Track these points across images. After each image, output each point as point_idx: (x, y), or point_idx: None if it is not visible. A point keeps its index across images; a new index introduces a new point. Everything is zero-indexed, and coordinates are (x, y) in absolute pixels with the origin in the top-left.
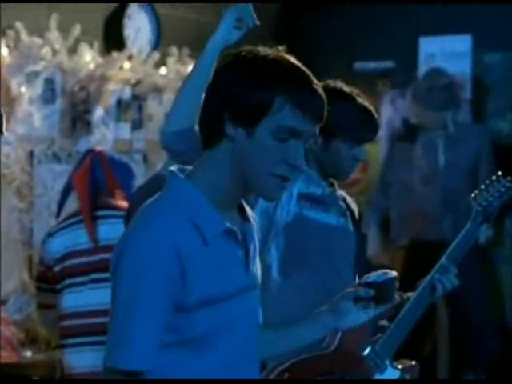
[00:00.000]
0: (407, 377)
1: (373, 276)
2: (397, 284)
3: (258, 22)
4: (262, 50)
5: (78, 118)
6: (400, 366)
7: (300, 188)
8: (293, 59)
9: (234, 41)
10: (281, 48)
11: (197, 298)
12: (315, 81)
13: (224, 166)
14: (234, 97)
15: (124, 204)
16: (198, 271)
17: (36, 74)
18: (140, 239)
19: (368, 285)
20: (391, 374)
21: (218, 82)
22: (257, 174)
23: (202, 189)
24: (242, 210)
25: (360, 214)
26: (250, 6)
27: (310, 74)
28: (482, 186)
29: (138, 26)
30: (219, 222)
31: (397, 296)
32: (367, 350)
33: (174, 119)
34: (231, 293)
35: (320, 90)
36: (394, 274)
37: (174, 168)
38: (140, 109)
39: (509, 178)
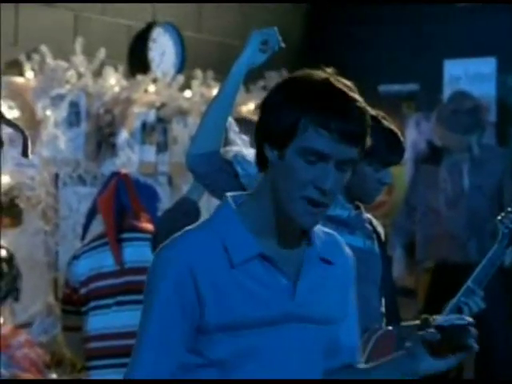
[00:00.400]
0: None
1: (444, 319)
2: (473, 331)
3: (283, 45)
4: (310, 72)
5: (103, 140)
6: None
7: None
8: (330, 80)
9: (258, 63)
10: (329, 70)
11: (217, 321)
12: (352, 102)
13: (265, 192)
14: (267, 119)
15: (149, 226)
16: (220, 294)
17: (61, 97)
18: (159, 258)
19: (437, 328)
20: None
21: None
22: (288, 197)
23: (244, 214)
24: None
25: (385, 236)
26: (276, 29)
27: (344, 94)
28: (509, 209)
29: (162, 49)
30: (251, 245)
31: (474, 344)
32: None
33: (199, 142)
34: (260, 319)
35: (356, 112)
36: (469, 320)
37: (229, 194)
38: (165, 131)
39: None
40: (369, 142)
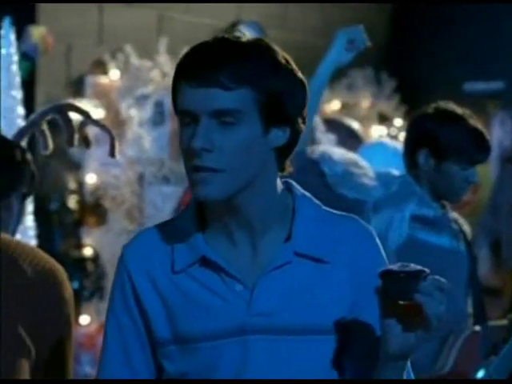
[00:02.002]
0: None
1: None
2: (428, 284)
3: (369, 44)
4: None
5: None
6: None
7: (413, 210)
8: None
9: (345, 62)
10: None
11: (165, 334)
12: (208, 44)
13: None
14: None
15: None
16: (164, 304)
17: (145, 96)
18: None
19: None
20: None
21: None
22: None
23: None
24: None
25: (471, 235)
26: (362, 27)
27: (207, 42)
28: None
29: None
30: (196, 248)
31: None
32: (481, 373)
33: None
34: (211, 332)
35: (214, 52)
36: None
37: None
38: None
39: None
40: (271, 82)
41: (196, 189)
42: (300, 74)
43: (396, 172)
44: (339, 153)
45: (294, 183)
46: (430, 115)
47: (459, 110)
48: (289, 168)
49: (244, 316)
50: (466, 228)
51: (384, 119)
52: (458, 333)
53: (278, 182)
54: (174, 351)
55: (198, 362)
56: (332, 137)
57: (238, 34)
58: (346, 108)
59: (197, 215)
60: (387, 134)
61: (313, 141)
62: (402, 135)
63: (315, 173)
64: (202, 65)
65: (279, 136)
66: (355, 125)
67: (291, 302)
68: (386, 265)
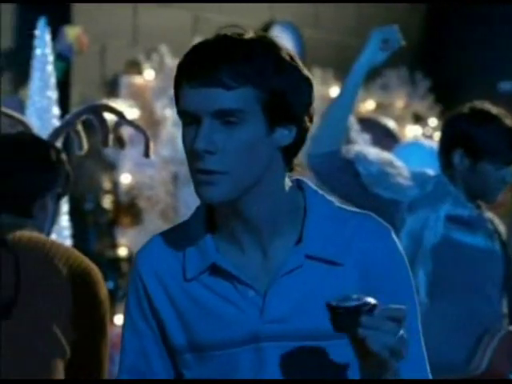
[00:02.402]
0: None
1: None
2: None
3: (403, 43)
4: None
5: None
6: None
7: (448, 210)
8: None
9: (379, 62)
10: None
11: (178, 341)
12: (207, 43)
13: None
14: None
15: None
16: (177, 312)
17: None
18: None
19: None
20: None
21: None
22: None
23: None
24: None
25: (507, 236)
26: (396, 27)
27: (204, 41)
28: None
29: None
30: (207, 254)
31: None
32: None
33: (320, 141)
34: (224, 340)
35: (212, 50)
36: (367, 301)
37: None
38: None
39: None
40: (273, 79)
41: (199, 190)
42: (306, 72)
43: (431, 172)
44: (374, 152)
45: (305, 181)
46: (465, 115)
47: (494, 110)
48: (297, 167)
49: (257, 323)
50: (502, 228)
51: (418, 119)
52: (493, 333)
53: (287, 181)
54: (190, 359)
55: (214, 370)
56: (367, 136)
57: (240, 30)
58: (380, 108)
59: (207, 219)
60: (422, 134)
61: (348, 140)
62: (437, 135)
63: (350, 173)
64: (202, 64)
65: (285, 135)
66: (391, 124)
67: (304, 307)
68: (402, 262)
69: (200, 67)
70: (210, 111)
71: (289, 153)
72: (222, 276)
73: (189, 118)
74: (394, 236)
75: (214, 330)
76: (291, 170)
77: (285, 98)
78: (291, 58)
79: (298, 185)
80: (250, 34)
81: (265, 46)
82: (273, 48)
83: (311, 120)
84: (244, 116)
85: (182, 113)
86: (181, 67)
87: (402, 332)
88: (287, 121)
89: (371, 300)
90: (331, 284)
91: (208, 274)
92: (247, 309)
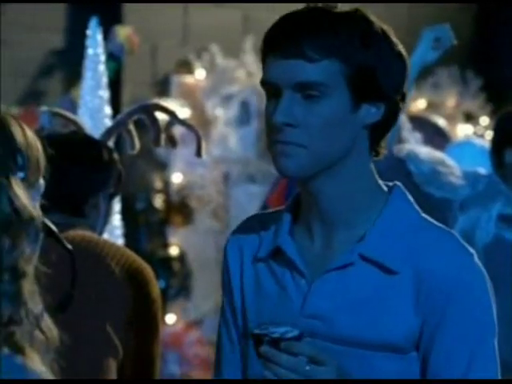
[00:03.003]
0: None
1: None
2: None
3: (455, 42)
4: None
5: None
6: None
7: (499, 209)
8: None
9: (431, 61)
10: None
11: (241, 326)
12: (294, 15)
13: None
14: None
15: None
16: (243, 292)
17: (231, 96)
18: None
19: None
20: None
21: None
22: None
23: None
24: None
25: None
26: (448, 26)
27: (292, 13)
28: None
29: None
30: (278, 237)
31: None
32: None
33: None
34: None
35: (298, 23)
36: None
37: None
38: None
39: None
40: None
41: (276, 161)
42: (399, 48)
43: (483, 171)
44: (426, 151)
45: (401, 187)
46: None
47: None
48: (383, 150)
49: (297, 315)
50: None
51: (470, 118)
52: None
53: (376, 177)
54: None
55: (248, 358)
56: (419, 135)
57: (333, 4)
58: (431, 107)
59: (294, 206)
60: (473, 133)
61: (399, 139)
62: (488, 134)
63: (402, 172)
64: (286, 35)
65: (372, 113)
66: (441, 122)
67: (343, 309)
68: (480, 295)
69: (283, 38)
70: (291, 84)
71: (375, 133)
72: (284, 260)
73: (271, 90)
74: (475, 261)
75: (264, 314)
76: (377, 154)
77: (372, 74)
78: (383, 32)
79: (389, 188)
80: (342, 8)
81: (353, 18)
82: (362, 21)
83: (404, 99)
84: (326, 90)
85: (264, 84)
86: (266, 38)
87: (307, 367)
88: (375, 98)
89: (277, 330)
90: (380, 290)
91: (274, 256)
92: (296, 298)
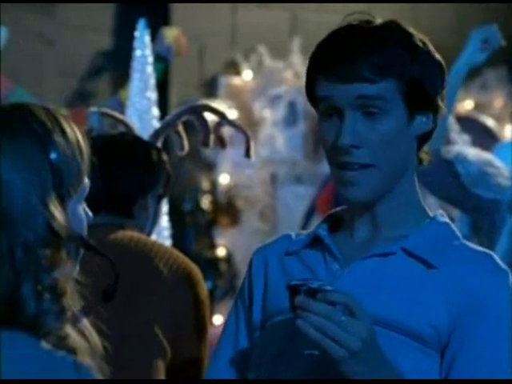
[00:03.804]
0: None
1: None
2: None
3: (503, 43)
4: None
5: None
6: None
7: None
8: (340, 27)
9: (479, 62)
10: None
11: (256, 317)
12: (344, 37)
13: None
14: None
15: None
16: (267, 284)
17: (278, 97)
18: None
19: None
20: None
21: None
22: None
23: None
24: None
25: None
26: (496, 27)
27: (340, 33)
28: None
29: None
30: (314, 232)
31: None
32: None
33: None
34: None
35: (350, 44)
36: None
37: None
38: None
39: None
40: (409, 69)
41: (344, 189)
42: (437, 56)
43: None
44: (474, 153)
45: (444, 214)
46: None
47: None
48: (427, 157)
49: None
50: None
51: None
52: None
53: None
54: (256, 337)
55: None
56: (467, 137)
57: (365, 17)
58: (479, 107)
59: (338, 214)
60: None
61: (447, 141)
62: None
63: (450, 173)
64: (339, 60)
65: (423, 122)
66: (490, 123)
67: (376, 290)
68: (507, 311)
69: (336, 63)
70: (352, 100)
71: (422, 141)
72: (318, 248)
73: (327, 109)
74: (510, 281)
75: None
76: (421, 162)
77: (422, 85)
78: (423, 43)
79: (435, 214)
80: (377, 21)
81: (398, 34)
82: (406, 35)
83: (444, 103)
84: (385, 105)
85: (321, 105)
86: (315, 61)
87: (343, 318)
88: (425, 108)
89: (316, 282)
90: (416, 281)
91: (308, 248)
92: (325, 277)
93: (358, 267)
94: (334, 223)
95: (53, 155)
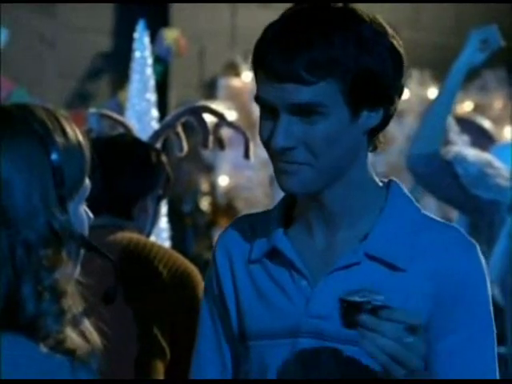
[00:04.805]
0: None
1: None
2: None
3: (502, 44)
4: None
5: None
6: None
7: None
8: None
9: (478, 63)
10: None
11: (234, 328)
12: (290, 32)
13: None
14: None
15: None
16: (236, 294)
17: None
18: None
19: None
20: None
21: None
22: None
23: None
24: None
25: None
26: (496, 27)
27: (286, 24)
28: None
29: None
30: (272, 238)
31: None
32: None
33: (420, 142)
34: (267, 329)
35: (295, 42)
36: (369, 300)
37: None
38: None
39: None
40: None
41: (279, 179)
42: (395, 44)
43: None
44: (473, 153)
45: (397, 182)
46: None
47: None
48: (382, 145)
49: (301, 316)
50: None
51: None
52: None
53: (374, 175)
54: (241, 351)
55: (252, 362)
56: (466, 138)
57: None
58: (478, 109)
59: (286, 206)
60: None
61: (447, 142)
62: None
63: (449, 174)
64: (278, 56)
65: (371, 117)
66: (487, 124)
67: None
68: (482, 283)
69: (275, 59)
70: (288, 106)
71: (374, 133)
72: (281, 261)
73: (266, 108)
74: (479, 253)
75: (263, 317)
76: (374, 148)
77: (369, 79)
78: (376, 32)
79: (387, 184)
80: (336, 5)
81: (346, 21)
82: (355, 23)
83: (400, 95)
84: (324, 110)
85: (259, 101)
86: (256, 53)
87: (410, 339)
88: (374, 103)
89: (379, 298)
90: (388, 288)
91: (270, 257)
92: (296, 299)
93: (326, 285)
94: (287, 212)
95: (54, 156)
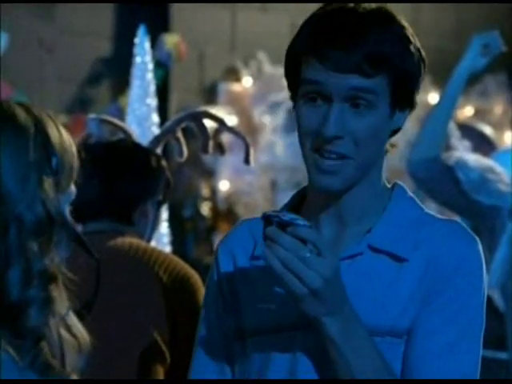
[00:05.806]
0: None
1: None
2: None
3: (504, 49)
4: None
5: None
6: None
7: None
8: (339, 7)
9: (480, 68)
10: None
11: (232, 324)
12: (346, 23)
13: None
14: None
15: None
16: (236, 290)
17: (278, 103)
18: None
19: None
20: None
21: None
22: (303, 155)
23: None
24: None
25: None
26: (497, 32)
27: (341, 16)
28: None
29: None
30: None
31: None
32: None
33: (421, 147)
34: (268, 324)
35: (352, 34)
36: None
37: None
38: None
39: None
40: (402, 64)
41: (318, 177)
42: (423, 52)
43: None
44: (474, 159)
45: (402, 185)
46: None
47: None
48: (390, 149)
49: (288, 312)
50: None
51: None
52: None
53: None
54: (237, 348)
55: (252, 359)
56: (467, 143)
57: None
58: (479, 114)
59: (292, 207)
60: None
61: (448, 147)
62: None
63: (450, 179)
64: (337, 45)
65: (400, 118)
66: (487, 130)
67: (352, 297)
68: (479, 275)
69: (335, 48)
70: (344, 91)
71: (392, 134)
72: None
73: (313, 94)
74: (478, 246)
75: (261, 312)
76: (386, 151)
77: (408, 82)
78: (414, 37)
79: (392, 186)
80: (366, 5)
81: (393, 24)
82: (396, 26)
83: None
84: (375, 100)
85: (306, 86)
86: (306, 40)
87: (308, 254)
88: (406, 104)
89: (290, 216)
90: (388, 277)
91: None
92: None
93: None
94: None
95: (53, 140)
